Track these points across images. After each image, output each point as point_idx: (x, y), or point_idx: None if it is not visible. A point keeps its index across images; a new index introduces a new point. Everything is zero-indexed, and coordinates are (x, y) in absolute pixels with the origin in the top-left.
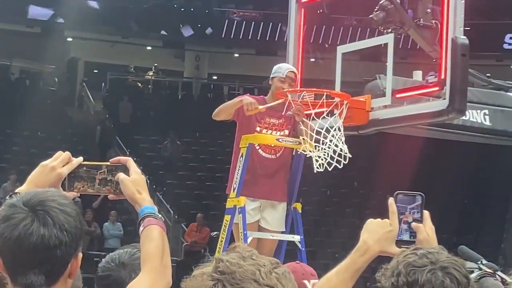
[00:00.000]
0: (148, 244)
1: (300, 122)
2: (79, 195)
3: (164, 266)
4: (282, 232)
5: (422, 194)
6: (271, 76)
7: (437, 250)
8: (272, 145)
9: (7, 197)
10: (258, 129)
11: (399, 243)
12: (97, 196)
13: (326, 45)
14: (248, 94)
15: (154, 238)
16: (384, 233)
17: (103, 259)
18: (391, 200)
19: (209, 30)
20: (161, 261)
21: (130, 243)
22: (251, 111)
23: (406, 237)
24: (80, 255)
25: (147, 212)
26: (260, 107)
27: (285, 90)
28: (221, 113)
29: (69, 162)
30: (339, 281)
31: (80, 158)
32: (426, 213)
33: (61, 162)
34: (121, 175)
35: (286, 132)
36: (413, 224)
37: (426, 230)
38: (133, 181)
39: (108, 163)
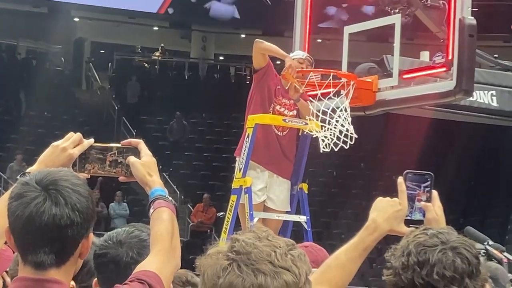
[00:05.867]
0: (158, 226)
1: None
2: (89, 176)
3: (173, 248)
4: (288, 212)
5: (431, 174)
6: None
7: (447, 231)
8: (280, 125)
9: (18, 177)
10: (273, 103)
11: (409, 222)
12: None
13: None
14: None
15: (164, 220)
16: (394, 212)
17: (101, 238)
18: (400, 179)
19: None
20: (170, 243)
21: (137, 223)
22: (289, 74)
23: (418, 216)
24: (91, 235)
25: (157, 195)
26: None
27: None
28: (268, 50)
29: (80, 144)
30: (348, 259)
31: (91, 140)
32: (434, 192)
33: (72, 143)
34: (131, 158)
35: (295, 112)
36: (422, 203)
37: (435, 209)
38: (144, 164)
39: (119, 145)
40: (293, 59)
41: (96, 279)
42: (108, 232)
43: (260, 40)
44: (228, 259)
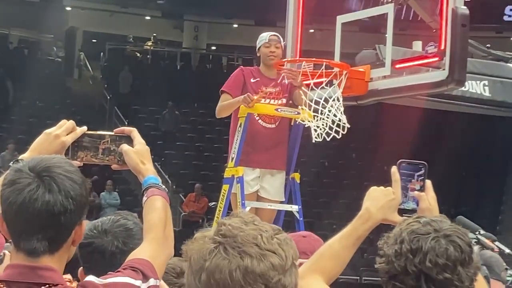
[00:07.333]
0: (151, 214)
1: (302, 89)
2: (82, 164)
3: (166, 236)
4: (281, 202)
5: (425, 163)
6: (257, 48)
7: (440, 219)
8: (272, 115)
9: (11, 163)
10: (255, 97)
11: (402, 211)
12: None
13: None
14: (241, 67)
15: (157, 209)
16: (387, 201)
17: (86, 227)
18: (394, 168)
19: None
20: (163, 232)
21: (122, 211)
22: (252, 103)
23: (411, 205)
24: (85, 222)
25: (150, 183)
26: (256, 97)
27: (283, 60)
28: (224, 111)
29: (73, 131)
30: (341, 247)
31: (84, 128)
32: (428, 182)
33: (65, 131)
34: (125, 146)
35: (284, 100)
36: (416, 193)
37: (428, 199)
38: (137, 152)
39: (112, 133)
40: (259, 48)
41: (81, 268)
42: (93, 221)
43: (217, 113)
44: (215, 242)
